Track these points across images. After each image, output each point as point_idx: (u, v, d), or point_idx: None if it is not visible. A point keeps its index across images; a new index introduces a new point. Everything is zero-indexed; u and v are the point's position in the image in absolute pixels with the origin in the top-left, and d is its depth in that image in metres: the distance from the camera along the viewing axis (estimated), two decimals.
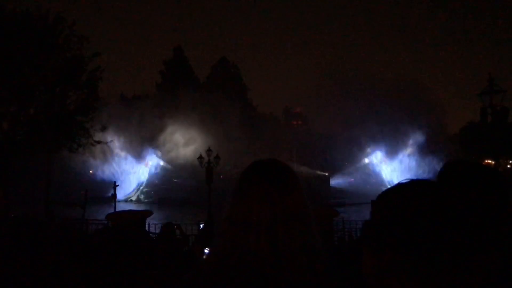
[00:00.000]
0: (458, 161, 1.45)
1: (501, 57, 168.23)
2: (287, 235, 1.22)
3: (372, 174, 52.83)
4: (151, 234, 14.27)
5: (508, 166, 50.25)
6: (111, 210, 23.03)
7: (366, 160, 52.21)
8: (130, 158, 53.34)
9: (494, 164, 14.02)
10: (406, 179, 1.02)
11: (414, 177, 1.06)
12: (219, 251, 1.27)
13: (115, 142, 44.88)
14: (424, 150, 48.81)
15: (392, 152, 51.58)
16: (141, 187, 52.92)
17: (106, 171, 51.44)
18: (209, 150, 25.46)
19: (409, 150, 51.43)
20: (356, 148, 50.29)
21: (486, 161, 57.52)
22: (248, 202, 1.27)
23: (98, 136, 28.02)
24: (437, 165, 43.68)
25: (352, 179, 51.89)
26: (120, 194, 38.63)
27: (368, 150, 52.59)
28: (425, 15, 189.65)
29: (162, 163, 53.54)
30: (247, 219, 1.24)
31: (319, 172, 55.67)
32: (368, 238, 0.98)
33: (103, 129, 29.21)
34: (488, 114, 12.67)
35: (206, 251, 7.13)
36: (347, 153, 49.44)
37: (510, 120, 15.68)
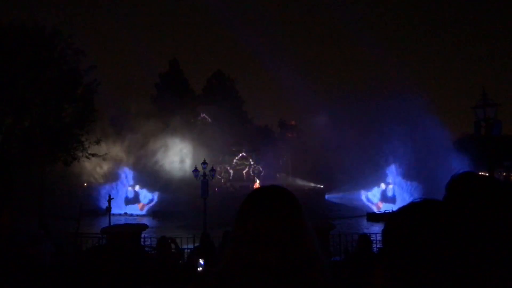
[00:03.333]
0: (467, 174, 1.41)
1: (495, 70, 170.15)
2: (294, 249, 1.27)
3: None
4: (146, 248, 14.18)
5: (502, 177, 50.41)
6: (106, 223, 22.89)
7: (383, 186, 51.25)
8: (126, 170, 53.02)
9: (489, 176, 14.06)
10: (419, 198, 1.04)
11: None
12: (226, 267, 1.30)
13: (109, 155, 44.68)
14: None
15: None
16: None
17: (101, 183, 51.12)
18: (204, 163, 25.40)
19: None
20: (373, 169, 49.16)
21: (480, 173, 57.82)
22: (254, 222, 1.31)
23: (93, 149, 27.94)
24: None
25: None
26: (115, 207, 38.39)
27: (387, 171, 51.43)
28: (418, 29, 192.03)
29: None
30: (253, 237, 1.28)
31: (314, 185, 55.70)
32: (382, 256, 1.00)
33: (98, 142, 29.14)
34: (481, 127, 12.83)
35: (201, 261, 7.11)
36: (360, 172, 48.39)
37: (503, 133, 15.82)
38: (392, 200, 47.78)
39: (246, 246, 1.28)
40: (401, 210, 1.06)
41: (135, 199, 50.68)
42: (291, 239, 1.28)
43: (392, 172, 51.01)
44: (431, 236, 0.94)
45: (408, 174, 50.20)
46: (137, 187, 51.80)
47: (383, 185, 50.42)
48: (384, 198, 48.91)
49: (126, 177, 52.67)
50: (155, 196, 50.30)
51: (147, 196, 51.00)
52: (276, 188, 1.42)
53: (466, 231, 0.97)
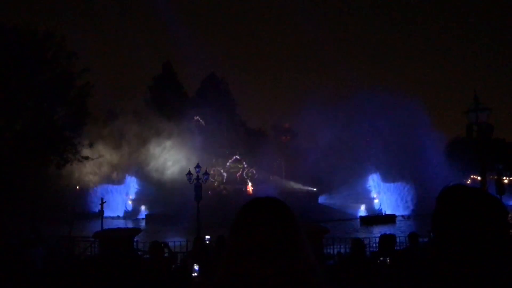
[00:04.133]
0: (457, 187, 1.43)
1: (487, 74, 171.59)
2: (289, 261, 1.27)
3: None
4: (139, 252, 14.10)
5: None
6: (99, 226, 22.75)
7: (363, 207, 51.49)
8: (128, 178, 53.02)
9: (482, 179, 14.20)
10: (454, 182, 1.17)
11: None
12: (221, 281, 1.30)
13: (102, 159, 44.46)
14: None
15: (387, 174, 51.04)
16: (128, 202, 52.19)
17: (94, 187, 50.86)
18: (197, 166, 25.34)
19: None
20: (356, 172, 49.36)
21: (472, 176, 58.24)
22: (249, 234, 1.30)
23: (86, 152, 27.78)
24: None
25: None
26: (108, 211, 38.18)
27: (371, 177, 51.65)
28: (410, 31, 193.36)
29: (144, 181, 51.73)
30: (248, 250, 1.28)
31: (307, 188, 55.69)
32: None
33: (91, 145, 28.99)
34: (473, 131, 12.93)
35: (196, 267, 7.08)
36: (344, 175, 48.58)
37: (494, 137, 15.94)
38: (380, 212, 48.38)
39: (241, 260, 1.27)
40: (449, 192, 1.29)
41: (134, 213, 49.95)
42: (287, 253, 1.27)
43: (373, 179, 51.69)
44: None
45: (392, 177, 50.72)
46: (138, 202, 51.07)
47: (362, 207, 50.44)
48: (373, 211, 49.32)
49: (128, 185, 52.63)
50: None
51: (144, 212, 49.86)
52: (271, 201, 1.41)
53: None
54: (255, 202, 1.41)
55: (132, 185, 53.18)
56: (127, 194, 52.19)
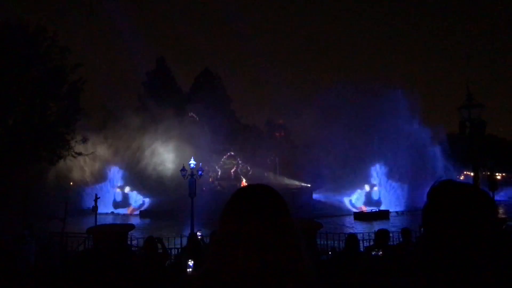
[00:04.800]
0: (448, 182, 1.45)
1: (480, 71, 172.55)
2: (277, 251, 1.23)
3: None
4: (133, 248, 14.07)
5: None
6: (92, 223, 22.65)
7: (367, 187, 51.39)
8: (112, 169, 52.50)
9: (474, 175, 14.29)
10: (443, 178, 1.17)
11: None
12: (209, 270, 1.27)
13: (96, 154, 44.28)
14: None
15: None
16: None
17: (88, 183, 50.60)
18: (192, 162, 25.25)
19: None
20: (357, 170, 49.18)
21: (465, 172, 58.58)
22: (237, 223, 1.27)
23: (79, 148, 27.62)
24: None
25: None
26: (101, 206, 38.03)
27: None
28: (402, 28, 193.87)
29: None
30: (235, 238, 1.24)
31: (302, 184, 55.83)
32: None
33: (85, 140, 28.81)
34: (466, 127, 12.98)
35: (190, 263, 7.07)
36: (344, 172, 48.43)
37: (487, 133, 16.04)
38: (377, 203, 47.99)
39: (227, 248, 1.24)
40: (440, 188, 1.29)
41: (124, 203, 49.29)
42: (274, 241, 1.24)
43: (377, 171, 51.30)
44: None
45: (392, 174, 50.64)
46: (126, 189, 50.58)
47: (367, 187, 50.32)
48: (369, 201, 48.88)
49: (114, 177, 52.04)
50: (146, 200, 48.88)
51: (137, 200, 49.70)
52: (261, 187, 1.37)
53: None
54: (246, 189, 1.37)
55: (117, 175, 52.22)
56: (113, 185, 51.24)
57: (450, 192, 1.40)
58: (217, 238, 1.31)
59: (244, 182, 56.50)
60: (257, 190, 1.36)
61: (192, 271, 6.71)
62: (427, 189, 1.47)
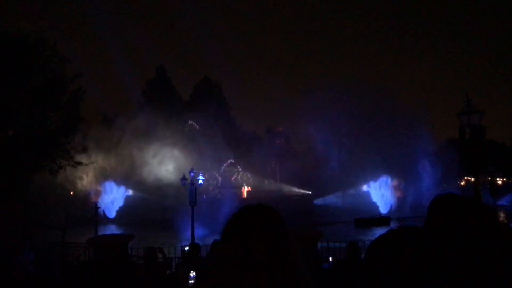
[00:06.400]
0: (448, 196, 1.44)
1: (480, 76, 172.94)
2: (284, 271, 1.25)
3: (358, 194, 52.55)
4: (133, 258, 14.00)
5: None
6: (92, 232, 22.60)
7: (365, 187, 51.58)
8: (110, 180, 52.55)
9: (475, 181, 14.27)
10: (398, 226, 1.06)
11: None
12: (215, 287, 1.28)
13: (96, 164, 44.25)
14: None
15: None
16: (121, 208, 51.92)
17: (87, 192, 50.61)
18: (192, 171, 25.22)
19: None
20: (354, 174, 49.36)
21: (466, 178, 58.45)
22: (244, 246, 1.28)
23: (79, 157, 27.59)
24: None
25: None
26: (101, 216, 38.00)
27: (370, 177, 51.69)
28: (401, 33, 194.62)
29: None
30: (243, 262, 1.26)
31: (302, 191, 55.77)
32: (362, 281, 1.01)
33: (84, 150, 28.79)
34: (466, 133, 12.97)
35: (192, 274, 7.02)
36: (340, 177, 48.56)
37: (487, 138, 16.04)
38: (377, 209, 48.27)
39: (234, 268, 1.26)
40: (382, 238, 1.08)
41: (125, 211, 50.38)
42: (280, 262, 1.26)
43: (377, 177, 51.48)
44: (409, 264, 0.96)
45: (393, 179, 50.75)
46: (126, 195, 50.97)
47: (367, 188, 50.72)
48: (369, 207, 49.17)
49: (113, 186, 52.22)
50: (145, 207, 49.64)
51: (137, 207, 50.19)
52: (263, 208, 1.39)
53: (443, 259, 0.99)
54: (246, 210, 1.40)
55: (117, 184, 52.62)
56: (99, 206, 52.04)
57: (451, 206, 1.39)
58: (220, 258, 1.32)
59: (244, 190, 56.43)
60: (261, 212, 1.38)
61: (193, 283, 6.68)
62: (428, 194, 1.46)
